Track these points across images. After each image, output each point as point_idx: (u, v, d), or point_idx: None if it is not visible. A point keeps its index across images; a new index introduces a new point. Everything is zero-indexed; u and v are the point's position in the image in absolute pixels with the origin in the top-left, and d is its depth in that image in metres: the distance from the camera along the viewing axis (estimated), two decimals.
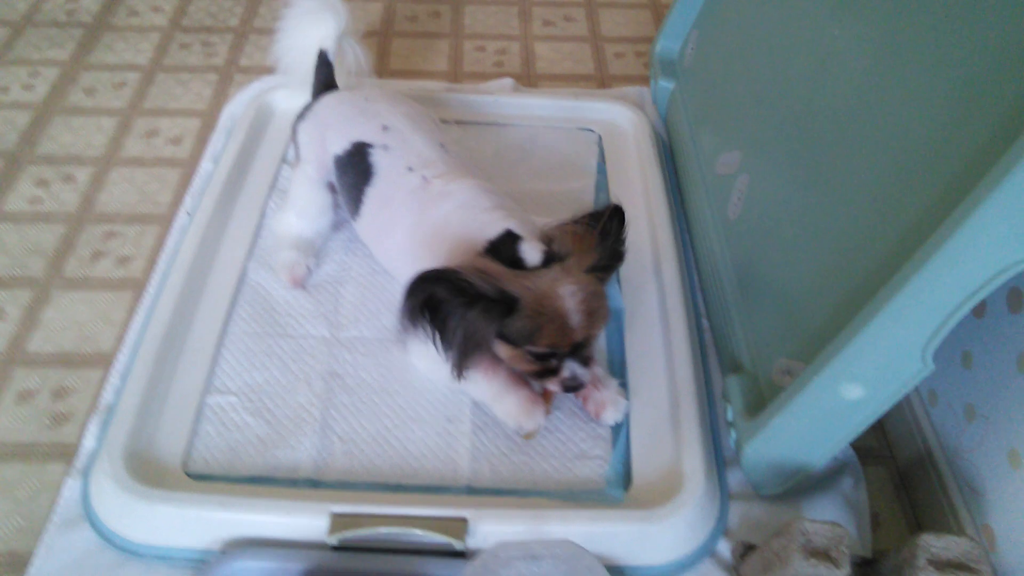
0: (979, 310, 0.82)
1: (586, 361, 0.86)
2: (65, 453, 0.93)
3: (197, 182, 1.23)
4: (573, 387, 0.86)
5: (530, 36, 1.61)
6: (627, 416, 0.93)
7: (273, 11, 1.65)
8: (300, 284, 1.05)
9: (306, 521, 0.81)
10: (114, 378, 0.98)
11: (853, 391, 0.72)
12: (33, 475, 0.91)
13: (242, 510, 0.82)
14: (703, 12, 1.28)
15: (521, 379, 0.90)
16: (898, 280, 0.68)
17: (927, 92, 0.73)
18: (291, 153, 1.21)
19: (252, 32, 1.61)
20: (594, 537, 0.81)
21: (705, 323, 1.06)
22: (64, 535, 0.85)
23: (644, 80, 1.46)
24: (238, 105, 1.35)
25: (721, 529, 0.85)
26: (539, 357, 0.84)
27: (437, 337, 0.82)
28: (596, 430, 0.92)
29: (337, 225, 1.12)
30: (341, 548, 0.80)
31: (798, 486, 0.85)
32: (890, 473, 0.94)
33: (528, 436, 0.90)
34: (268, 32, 1.50)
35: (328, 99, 1.08)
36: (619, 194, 1.20)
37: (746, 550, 0.80)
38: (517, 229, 0.87)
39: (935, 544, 0.70)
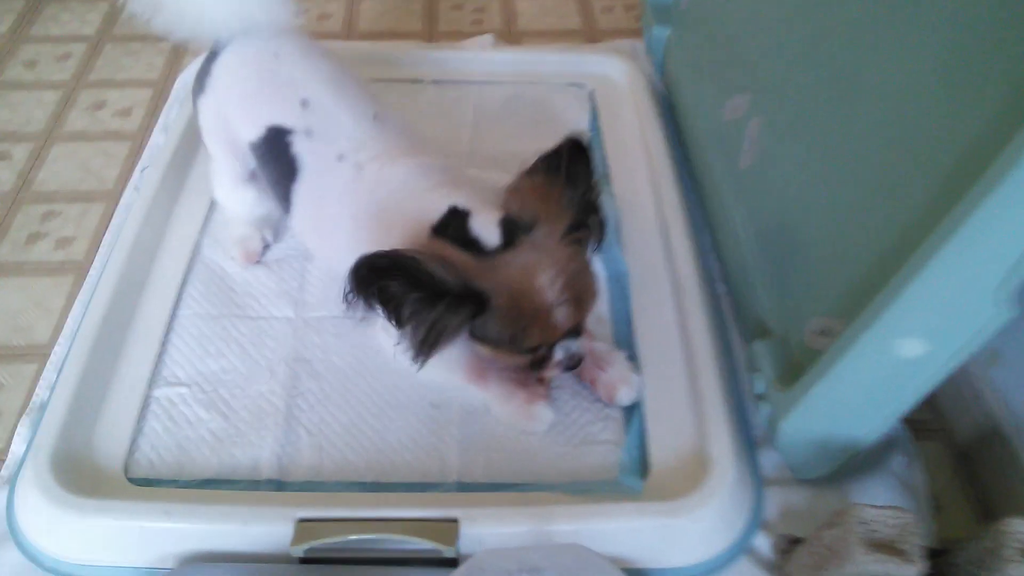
0: None
1: (577, 333, 0.74)
2: None
3: (147, 155, 1.09)
4: (573, 366, 0.74)
5: None
6: (641, 393, 0.80)
7: None
8: (254, 260, 0.91)
9: (268, 530, 0.68)
10: (49, 373, 0.85)
11: (912, 347, 0.60)
12: None
13: (193, 519, 0.69)
14: None
15: (512, 374, 0.78)
16: (965, 207, 0.55)
17: None
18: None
19: None
20: (609, 536, 0.68)
21: (721, 288, 0.93)
22: None
23: (635, 34, 1.33)
24: (193, 73, 1.21)
25: (758, 521, 0.73)
26: (526, 351, 0.72)
27: (392, 322, 0.68)
28: (604, 410, 0.79)
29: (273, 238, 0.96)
30: (311, 560, 0.67)
31: (842, 468, 0.73)
32: (946, 449, 0.81)
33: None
34: None
35: (226, 61, 0.85)
36: (616, 152, 1.07)
37: (790, 545, 0.67)
38: (463, 203, 0.73)
39: None
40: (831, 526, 0.62)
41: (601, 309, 0.87)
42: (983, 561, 0.58)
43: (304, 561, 0.67)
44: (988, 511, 0.75)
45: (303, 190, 0.81)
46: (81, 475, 0.73)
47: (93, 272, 0.94)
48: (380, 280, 0.65)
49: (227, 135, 0.86)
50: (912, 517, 0.60)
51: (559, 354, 0.73)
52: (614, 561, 0.68)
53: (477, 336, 0.71)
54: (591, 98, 1.16)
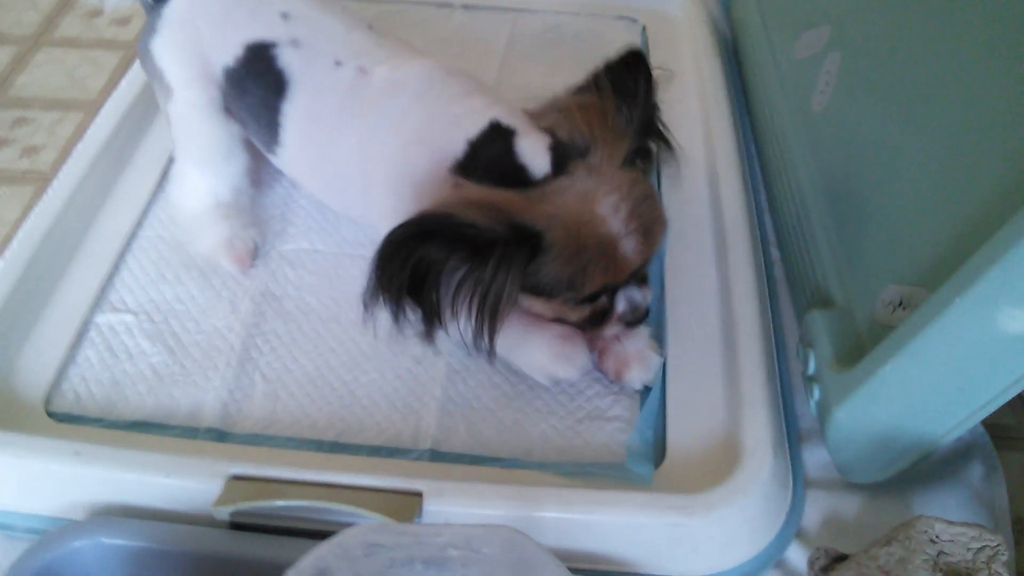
0: None
1: (642, 280, 0.63)
2: None
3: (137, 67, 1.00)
4: (636, 320, 0.63)
5: None
6: (662, 369, 0.68)
7: None
8: (248, 264, 0.76)
9: (194, 485, 0.58)
10: None
11: (1015, 321, 0.47)
12: None
13: (107, 464, 0.59)
14: None
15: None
16: None
17: None
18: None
19: None
20: (605, 531, 0.57)
21: (775, 254, 0.81)
22: None
23: None
24: None
25: (793, 529, 0.60)
26: (585, 300, 0.60)
27: (436, 315, 0.58)
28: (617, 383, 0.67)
29: (257, 175, 0.81)
30: (242, 526, 0.57)
31: (904, 474, 0.60)
32: None
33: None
34: None
35: None
36: (668, 94, 0.94)
37: (832, 562, 0.55)
38: (506, 119, 0.63)
39: None
40: (888, 542, 0.49)
41: None
42: None
43: (235, 527, 0.57)
44: None
45: (295, 107, 0.70)
46: None
47: (55, 181, 0.85)
48: (415, 248, 0.54)
49: (197, 62, 0.73)
50: (999, 540, 0.47)
51: (621, 305, 0.62)
52: (608, 561, 0.56)
53: (527, 287, 0.60)
54: (643, 34, 1.04)
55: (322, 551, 0.38)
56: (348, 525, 0.56)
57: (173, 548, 0.55)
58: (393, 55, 0.71)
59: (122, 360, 0.69)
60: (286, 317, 0.72)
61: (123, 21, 1.13)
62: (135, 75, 0.90)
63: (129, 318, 0.72)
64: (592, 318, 0.63)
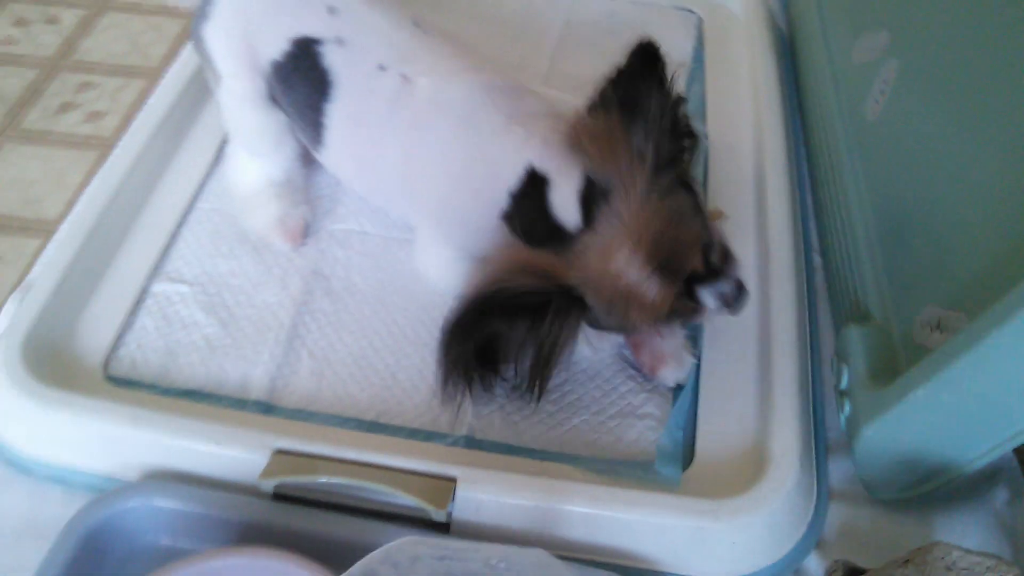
0: None
1: (724, 258, 0.62)
2: None
3: None
4: (739, 304, 0.63)
5: None
6: (696, 370, 0.70)
7: None
8: (299, 240, 0.79)
9: (242, 455, 0.61)
10: (51, 251, 0.80)
11: None
12: None
13: (162, 430, 0.63)
14: None
15: None
16: None
17: None
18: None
19: None
20: (630, 528, 0.59)
21: (817, 260, 0.81)
22: None
23: None
24: None
25: (814, 539, 0.62)
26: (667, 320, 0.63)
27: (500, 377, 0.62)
28: (651, 381, 0.69)
29: (309, 156, 0.81)
30: (284, 498, 0.60)
31: (928, 493, 0.61)
32: None
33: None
34: None
35: None
36: (718, 90, 0.95)
37: (849, 574, 0.57)
38: (540, 161, 0.63)
39: None
40: (905, 564, 0.51)
41: None
42: None
43: (277, 498, 0.61)
44: None
45: (338, 109, 0.71)
46: (55, 364, 0.68)
47: (116, 150, 0.88)
48: (483, 327, 0.58)
49: (245, 52, 0.73)
50: (1015, 571, 0.48)
51: (710, 302, 0.61)
52: (632, 558, 0.59)
53: (604, 328, 0.64)
54: (699, 26, 1.04)
55: (371, 559, 0.41)
56: (385, 504, 0.59)
57: (220, 515, 0.59)
58: (437, 60, 0.71)
59: (176, 329, 0.72)
60: (333, 296, 0.75)
61: None
62: (189, 50, 0.93)
63: (184, 288, 0.75)
64: (686, 319, 0.65)
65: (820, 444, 0.67)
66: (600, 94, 0.61)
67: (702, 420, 0.66)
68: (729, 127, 0.90)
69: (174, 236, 0.79)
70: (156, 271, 0.76)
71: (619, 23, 1.04)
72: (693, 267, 0.61)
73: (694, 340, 0.71)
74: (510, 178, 0.64)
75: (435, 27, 0.75)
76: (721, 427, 0.66)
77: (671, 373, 0.68)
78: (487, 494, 0.59)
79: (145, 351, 0.71)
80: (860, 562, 0.58)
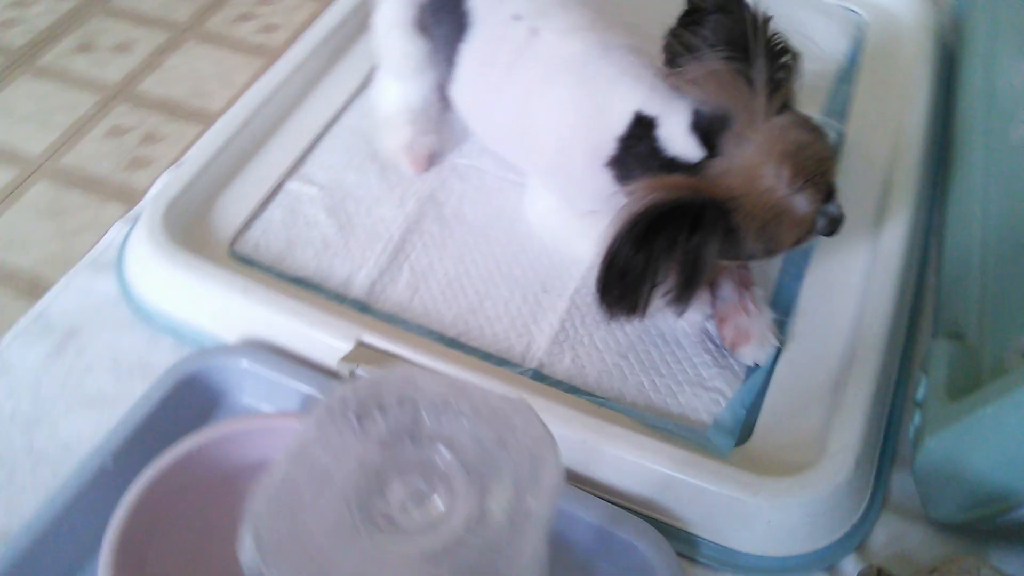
0: None
1: (831, 191, 0.64)
2: (130, 198, 0.86)
3: None
4: (835, 229, 0.66)
5: None
6: (775, 357, 0.70)
7: None
8: (423, 167, 0.84)
9: (329, 341, 0.67)
10: (207, 135, 0.89)
11: None
12: (90, 209, 0.85)
13: (266, 304, 0.70)
14: None
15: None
16: None
17: None
18: None
19: None
20: (669, 485, 0.61)
21: (933, 279, 0.79)
22: (89, 276, 0.77)
23: None
24: None
25: (855, 541, 0.62)
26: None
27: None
28: (727, 358, 0.70)
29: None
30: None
31: (983, 522, 0.60)
32: None
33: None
34: None
35: None
36: (868, 91, 0.93)
37: None
38: (648, 106, 0.65)
39: None
40: (931, 572, 0.50)
41: (766, 266, 0.76)
42: None
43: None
44: None
45: (469, 49, 0.75)
46: (190, 231, 0.76)
47: (280, 60, 0.97)
48: (633, 259, 0.59)
49: None
50: None
51: (820, 224, 0.64)
52: (667, 515, 0.61)
53: (733, 256, 0.65)
54: (861, 28, 1.02)
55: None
56: None
57: (297, 386, 0.65)
58: (569, 18, 0.73)
59: (299, 224, 0.79)
60: (443, 222, 0.80)
61: None
62: None
63: (314, 190, 0.82)
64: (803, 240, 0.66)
65: (888, 451, 0.67)
66: (677, 38, 0.65)
67: (768, 402, 0.67)
68: (868, 131, 0.89)
69: (315, 143, 0.86)
70: (293, 170, 0.84)
71: (778, 15, 1.03)
72: (832, 182, 0.63)
73: (781, 324, 0.71)
74: (618, 125, 0.66)
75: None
76: (786, 413, 0.66)
77: (752, 351, 0.69)
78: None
79: (268, 237, 0.78)
80: (897, 572, 0.57)
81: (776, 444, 0.65)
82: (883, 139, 0.87)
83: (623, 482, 0.62)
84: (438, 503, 0.37)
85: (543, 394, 0.66)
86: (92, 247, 0.80)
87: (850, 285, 0.74)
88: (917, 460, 0.60)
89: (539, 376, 0.69)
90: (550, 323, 0.72)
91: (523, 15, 0.73)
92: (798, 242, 0.65)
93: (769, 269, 0.76)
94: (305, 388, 0.65)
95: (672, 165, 0.64)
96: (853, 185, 0.83)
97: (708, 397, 0.68)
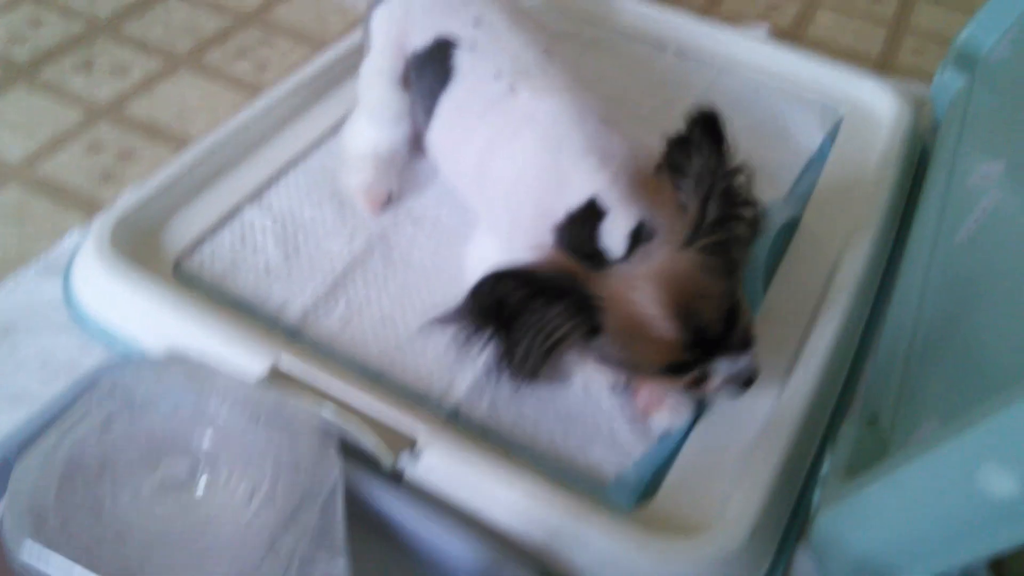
0: None
1: (745, 343, 0.64)
2: (94, 209, 0.89)
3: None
4: (746, 384, 0.66)
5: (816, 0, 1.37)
6: (690, 425, 0.71)
7: None
8: (379, 210, 0.87)
9: (246, 362, 0.69)
10: (175, 157, 0.93)
11: (999, 481, 0.46)
12: (53, 216, 0.88)
13: (191, 321, 0.72)
14: None
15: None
16: None
17: None
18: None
19: None
20: (562, 536, 0.61)
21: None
22: (37, 279, 0.81)
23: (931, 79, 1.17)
24: None
25: None
26: (673, 371, 0.64)
27: (502, 347, 0.64)
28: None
29: (419, 143, 0.90)
30: None
31: None
32: None
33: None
34: None
35: None
36: (833, 182, 0.96)
37: None
38: (604, 195, 0.68)
39: None
40: None
41: None
42: None
43: None
44: None
45: (449, 98, 0.80)
46: (137, 246, 0.79)
47: (262, 95, 1.01)
48: (501, 286, 0.61)
49: (397, 38, 0.85)
50: None
51: (718, 377, 0.64)
52: (556, 562, 0.61)
53: (608, 360, 0.66)
54: (837, 123, 1.05)
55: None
56: (352, 445, 0.65)
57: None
58: (548, 81, 0.77)
59: (247, 249, 0.82)
60: (388, 262, 0.82)
61: None
62: (357, 33, 1.05)
63: (269, 221, 0.85)
64: (688, 385, 0.66)
65: (795, 529, 0.66)
66: (666, 152, 0.66)
67: (678, 465, 0.68)
68: (825, 218, 0.91)
69: (280, 175, 0.90)
70: (252, 198, 0.87)
71: (757, 102, 1.07)
72: (709, 326, 0.62)
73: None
74: (572, 199, 0.69)
75: (565, 60, 0.82)
76: (694, 478, 0.67)
77: (663, 420, 0.70)
78: (438, 459, 0.64)
79: (214, 259, 0.81)
80: None
81: (678, 506, 0.65)
82: (837, 229, 0.89)
83: (518, 527, 0.62)
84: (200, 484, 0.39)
85: (455, 434, 0.67)
86: (44, 253, 0.83)
87: (777, 363, 0.75)
88: (812, 534, 0.60)
89: (454, 417, 0.70)
90: (475, 368, 0.74)
91: (504, 73, 0.78)
92: (672, 372, 0.63)
93: None
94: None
95: (595, 256, 0.66)
96: (799, 269, 0.85)
97: (617, 455, 0.69)
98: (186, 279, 0.79)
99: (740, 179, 0.66)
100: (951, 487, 0.49)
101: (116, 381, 0.43)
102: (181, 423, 0.41)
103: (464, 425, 0.69)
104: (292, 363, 0.69)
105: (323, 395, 0.67)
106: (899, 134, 1.00)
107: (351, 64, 1.01)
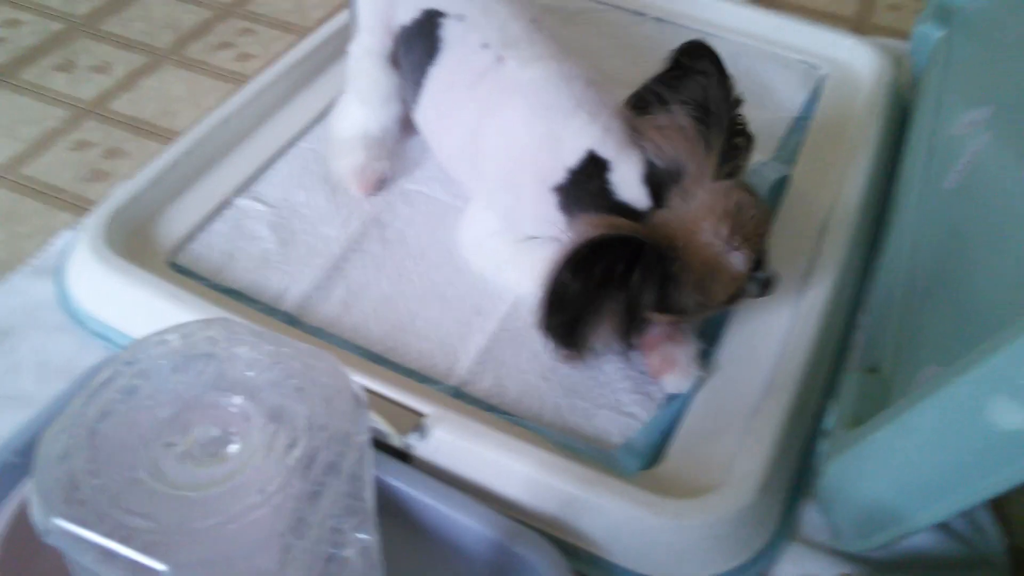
0: None
1: (760, 261, 0.67)
2: (83, 208, 0.88)
3: None
4: (769, 289, 0.69)
5: None
6: (694, 387, 0.70)
7: None
8: (371, 190, 0.86)
9: None
10: (163, 150, 0.91)
11: (1008, 415, 0.46)
12: (44, 216, 0.87)
13: (191, 313, 0.71)
14: None
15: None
16: None
17: None
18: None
19: None
20: (573, 504, 0.61)
21: (866, 319, 0.80)
22: (28, 280, 0.80)
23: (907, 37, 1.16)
24: None
25: (759, 568, 0.62)
26: (733, 299, 0.68)
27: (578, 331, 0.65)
28: (647, 386, 0.71)
29: (408, 123, 0.89)
30: None
31: (901, 557, 0.59)
32: None
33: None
34: None
35: None
36: (820, 141, 0.95)
37: None
38: (601, 148, 0.68)
39: None
40: None
41: None
42: None
43: None
44: None
45: (437, 72, 0.79)
46: (131, 241, 0.78)
47: (247, 83, 1.00)
48: (570, 285, 0.61)
49: (385, 14, 0.84)
50: None
51: (752, 287, 0.67)
52: (566, 530, 0.61)
53: (666, 310, 0.66)
54: (819, 81, 1.04)
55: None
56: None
57: None
58: (534, 50, 0.76)
59: (243, 239, 0.81)
60: (384, 243, 0.82)
61: None
62: (342, 16, 1.04)
63: (262, 207, 0.84)
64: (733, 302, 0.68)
65: (802, 484, 0.66)
66: (670, 89, 0.68)
67: (684, 428, 0.67)
68: (813, 176, 0.90)
69: (270, 163, 0.89)
70: (243, 188, 0.86)
71: (739, 64, 1.06)
72: (763, 249, 0.66)
73: (706, 354, 0.72)
74: (570, 156, 0.69)
75: (552, 30, 0.81)
76: (700, 439, 0.67)
77: (675, 380, 0.70)
78: (447, 434, 0.63)
79: (210, 250, 0.80)
80: None
81: (686, 468, 0.65)
82: (826, 185, 0.89)
83: (529, 499, 0.62)
84: (232, 449, 0.38)
85: (461, 411, 0.66)
86: (35, 253, 0.82)
87: (777, 320, 0.75)
88: (819, 486, 0.60)
89: (459, 395, 0.70)
90: (476, 344, 0.73)
91: (491, 44, 0.76)
92: (730, 300, 0.67)
93: None
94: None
95: (619, 209, 0.66)
96: (792, 227, 0.84)
97: (622, 421, 0.68)
98: (183, 271, 0.78)
99: (739, 110, 0.69)
100: (959, 425, 0.49)
101: (136, 348, 0.42)
102: (207, 388, 0.40)
103: (470, 401, 0.69)
104: None
105: None
106: (881, 89, 1.00)
107: (335, 49, 1.00)
